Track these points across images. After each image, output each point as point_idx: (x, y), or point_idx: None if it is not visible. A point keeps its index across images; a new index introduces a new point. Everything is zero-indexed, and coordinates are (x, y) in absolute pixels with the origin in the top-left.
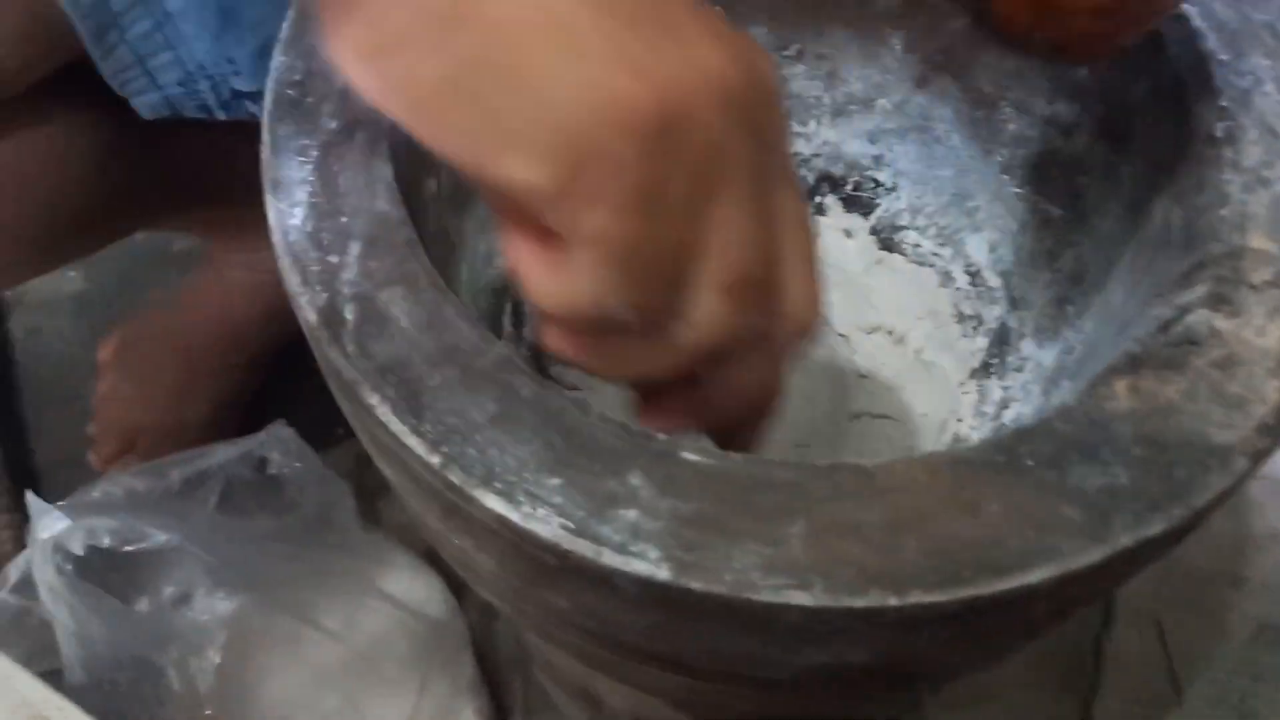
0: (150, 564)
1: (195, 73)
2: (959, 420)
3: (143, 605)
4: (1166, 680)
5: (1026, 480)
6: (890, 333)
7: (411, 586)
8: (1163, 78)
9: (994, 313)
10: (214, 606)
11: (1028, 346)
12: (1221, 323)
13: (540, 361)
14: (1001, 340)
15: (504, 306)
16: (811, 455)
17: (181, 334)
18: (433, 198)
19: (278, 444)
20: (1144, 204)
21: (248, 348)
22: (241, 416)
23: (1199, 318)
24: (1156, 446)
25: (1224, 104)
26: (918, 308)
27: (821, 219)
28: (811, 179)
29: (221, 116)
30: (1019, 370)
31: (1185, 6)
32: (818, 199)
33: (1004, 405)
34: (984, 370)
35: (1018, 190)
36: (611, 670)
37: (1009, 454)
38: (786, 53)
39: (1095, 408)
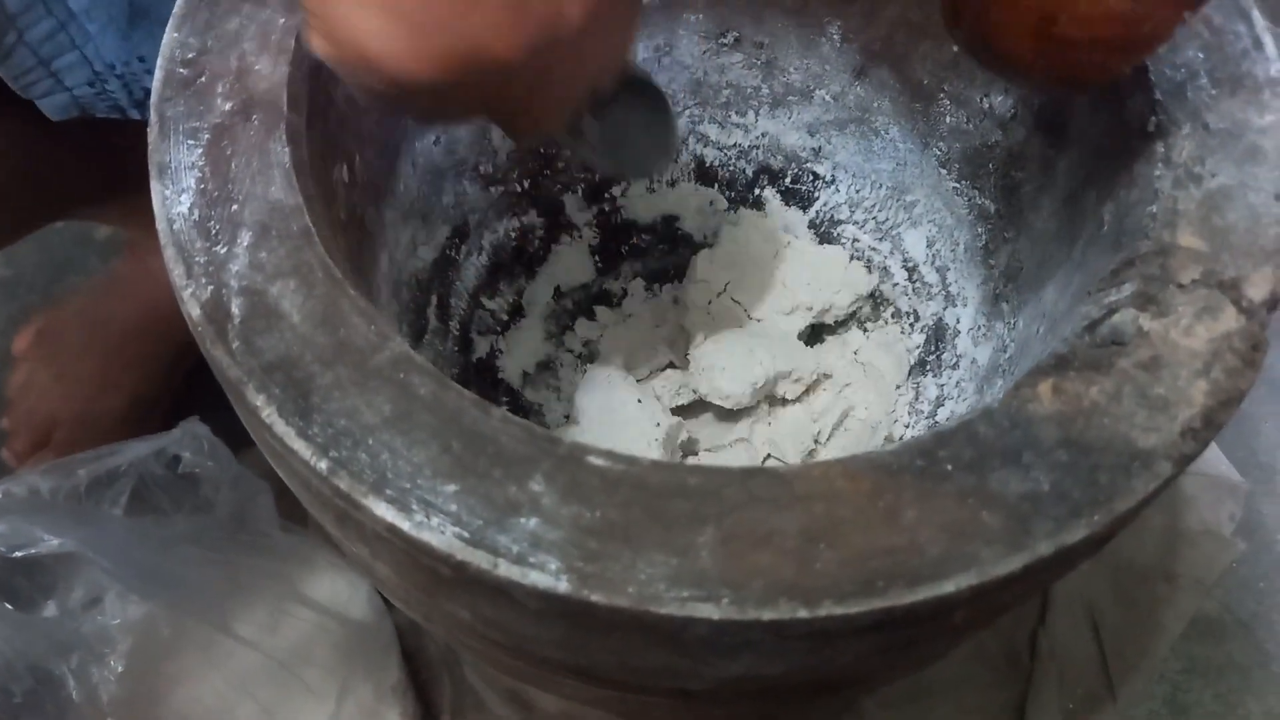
0: (56, 568)
1: (104, 72)
2: (894, 420)
3: (49, 610)
4: (1101, 674)
5: (946, 486)
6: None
7: (335, 589)
8: None
9: (930, 309)
10: (120, 612)
11: (963, 343)
12: (1148, 322)
13: (468, 353)
14: (938, 337)
15: (429, 299)
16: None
17: (102, 323)
18: (343, 184)
19: (191, 441)
20: (1078, 199)
21: (170, 339)
22: (163, 411)
23: (1125, 317)
24: (1079, 450)
25: (1157, 97)
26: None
27: (761, 211)
28: (750, 171)
29: (136, 116)
30: (954, 368)
31: None
32: (756, 191)
33: (939, 403)
34: (920, 367)
35: (955, 184)
36: (529, 679)
37: (929, 458)
38: (724, 40)
39: (1018, 410)
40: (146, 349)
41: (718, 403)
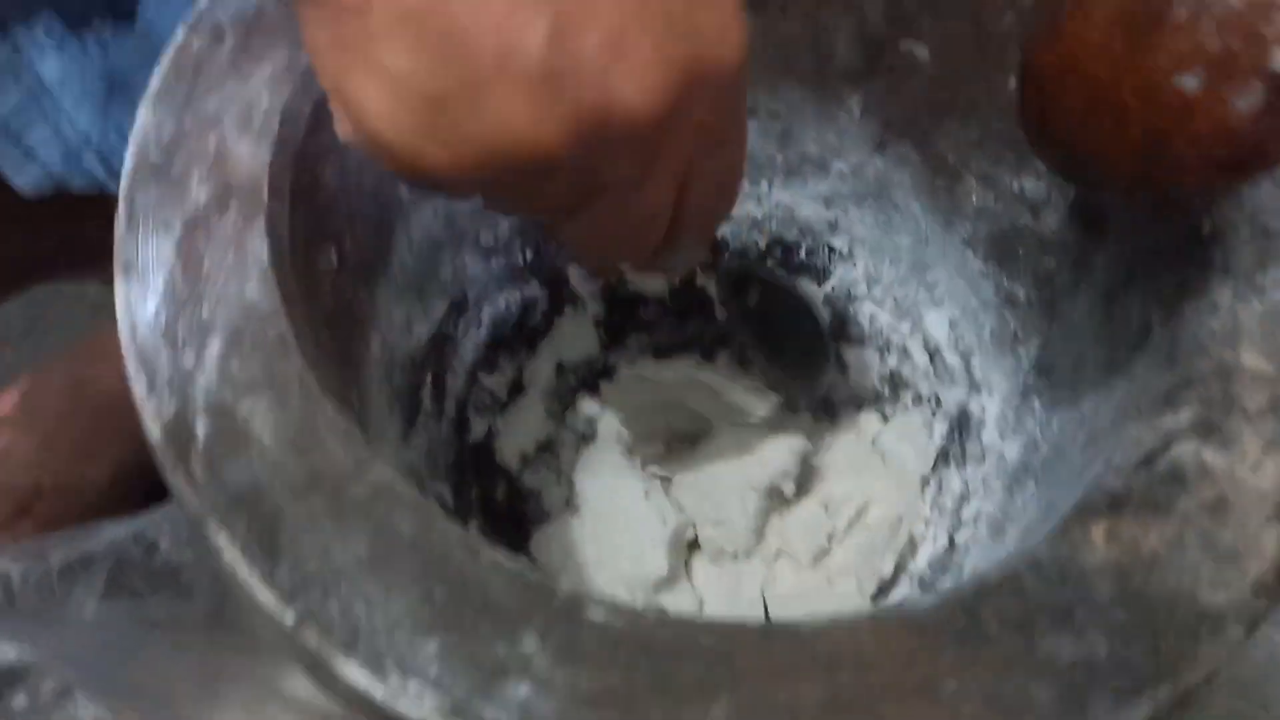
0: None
1: (79, 146)
2: (916, 516)
3: (18, 702)
4: None
5: (990, 651)
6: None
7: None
8: None
9: (954, 395)
10: (90, 706)
11: (989, 435)
12: (1212, 456)
13: (464, 435)
14: (961, 426)
15: (423, 379)
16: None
17: (85, 390)
18: (332, 271)
19: (169, 526)
20: (1119, 299)
21: None
22: (148, 482)
23: (1186, 449)
24: (1139, 608)
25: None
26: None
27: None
28: (763, 243)
29: (114, 189)
30: (980, 461)
31: None
32: (769, 263)
33: (964, 499)
34: (943, 458)
35: (981, 266)
36: None
37: (970, 616)
38: None
39: (1069, 559)
40: (131, 418)
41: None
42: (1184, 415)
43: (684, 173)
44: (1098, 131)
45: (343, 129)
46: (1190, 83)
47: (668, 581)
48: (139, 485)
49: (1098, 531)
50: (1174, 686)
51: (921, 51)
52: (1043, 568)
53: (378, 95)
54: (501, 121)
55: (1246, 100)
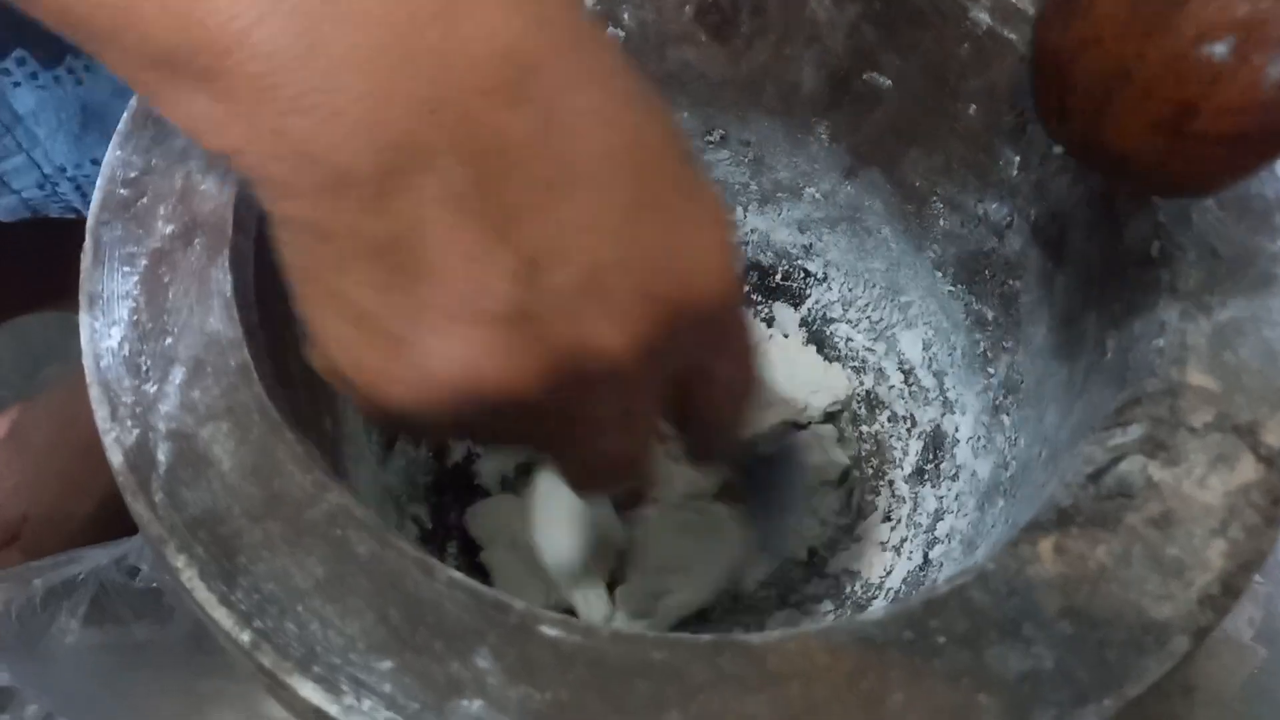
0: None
1: (54, 175)
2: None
3: None
4: None
5: (937, 663)
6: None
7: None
8: (1096, 186)
9: (928, 415)
10: None
11: (963, 453)
12: (1158, 472)
13: (444, 458)
14: (936, 445)
15: None
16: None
17: (71, 421)
18: None
19: (151, 551)
20: (1077, 320)
21: None
22: None
23: (1133, 465)
24: (1085, 621)
25: (1160, 220)
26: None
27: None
28: (739, 267)
29: None
30: (954, 479)
31: None
32: (745, 288)
33: (938, 517)
34: (918, 476)
35: (950, 288)
36: None
37: (919, 629)
38: (710, 138)
39: (1017, 573)
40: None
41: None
42: (1132, 432)
43: (682, 385)
44: (1121, 110)
45: (312, 356)
46: (1219, 50)
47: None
48: (125, 515)
49: (1045, 546)
50: (1119, 698)
51: (884, 82)
52: (991, 582)
53: (341, 329)
54: (469, 362)
55: (1278, 67)
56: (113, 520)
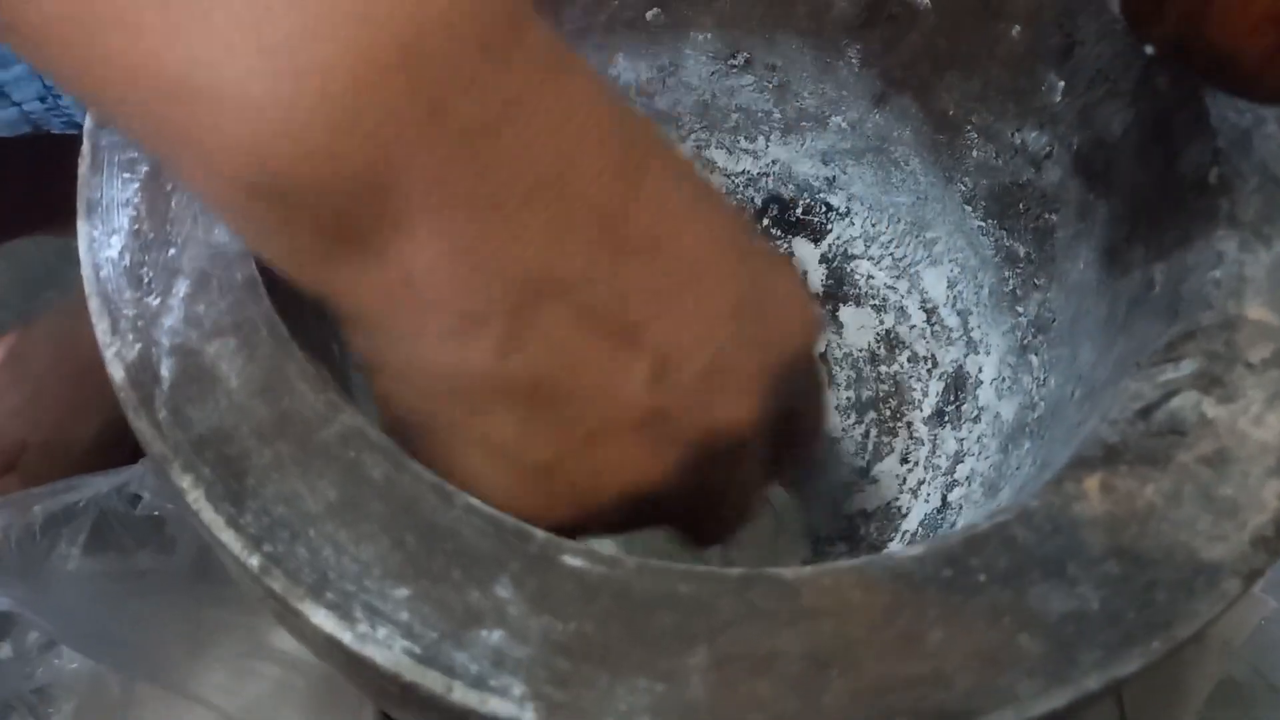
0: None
1: (56, 87)
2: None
3: (4, 652)
4: None
5: (978, 602)
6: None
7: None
8: (1148, 111)
9: (950, 355)
10: (63, 668)
11: (986, 395)
12: (1213, 409)
13: None
14: (958, 386)
15: None
16: None
17: (71, 345)
18: None
19: (153, 479)
20: (1121, 253)
21: None
22: (134, 440)
23: (1186, 401)
24: (1133, 561)
25: (1219, 145)
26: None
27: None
28: (759, 200)
29: None
30: (975, 420)
31: None
32: (764, 221)
33: (958, 459)
34: (938, 418)
35: (980, 223)
36: None
37: (958, 567)
38: (733, 61)
39: (1061, 510)
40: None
41: None
42: (1184, 368)
43: (779, 424)
44: (1226, 3)
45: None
46: None
47: None
48: (125, 442)
49: (1091, 484)
50: (1167, 640)
51: (923, 1)
52: (1034, 519)
53: (487, 469)
54: (620, 472)
55: None
56: (114, 447)
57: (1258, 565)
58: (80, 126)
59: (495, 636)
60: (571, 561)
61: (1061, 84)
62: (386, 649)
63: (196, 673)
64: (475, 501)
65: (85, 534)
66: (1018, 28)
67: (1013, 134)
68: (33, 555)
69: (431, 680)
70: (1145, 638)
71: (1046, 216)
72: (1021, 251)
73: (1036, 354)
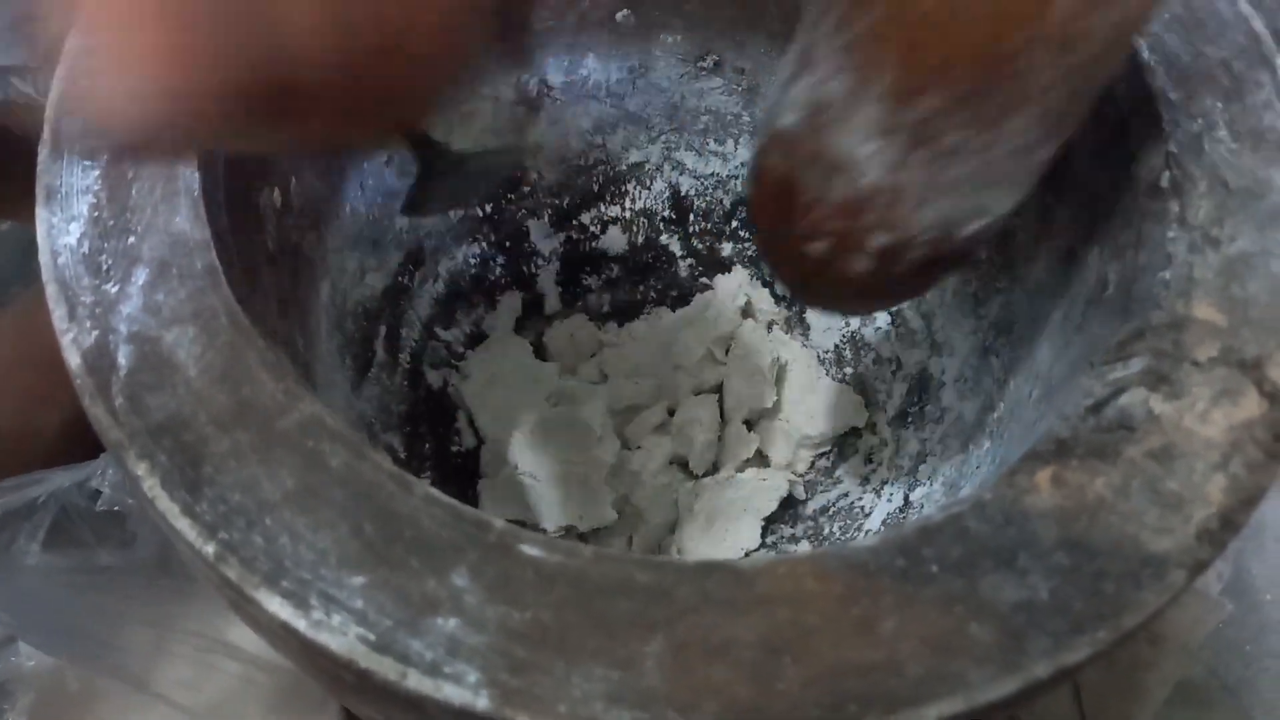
0: None
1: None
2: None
3: None
4: None
5: (930, 591)
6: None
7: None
8: (1105, 116)
9: (914, 357)
10: (21, 665)
11: (948, 396)
12: (1160, 405)
13: (419, 388)
14: (921, 388)
15: (377, 329)
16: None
17: (37, 336)
18: (274, 210)
19: (114, 473)
20: (1078, 255)
21: None
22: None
23: (1134, 398)
24: (1082, 552)
25: (1171, 149)
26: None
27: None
28: (728, 202)
29: None
30: (938, 421)
31: (1133, 38)
32: (733, 224)
33: (920, 459)
34: (901, 419)
35: None
36: None
37: (911, 557)
38: (703, 64)
39: (1013, 502)
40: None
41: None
42: (1134, 366)
43: None
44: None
45: None
46: (819, 248)
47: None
48: (89, 436)
49: (1043, 477)
50: (1114, 629)
51: None
52: (987, 511)
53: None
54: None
55: (859, 263)
56: (77, 442)
57: (1203, 557)
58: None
59: (451, 624)
60: (529, 550)
61: None
62: (341, 636)
63: (158, 669)
64: (435, 491)
65: (45, 529)
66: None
67: None
68: None
69: (386, 667)
70: (1093, 627)
71: (1008, 220)
72: (983, 254)
73: (997, 355)
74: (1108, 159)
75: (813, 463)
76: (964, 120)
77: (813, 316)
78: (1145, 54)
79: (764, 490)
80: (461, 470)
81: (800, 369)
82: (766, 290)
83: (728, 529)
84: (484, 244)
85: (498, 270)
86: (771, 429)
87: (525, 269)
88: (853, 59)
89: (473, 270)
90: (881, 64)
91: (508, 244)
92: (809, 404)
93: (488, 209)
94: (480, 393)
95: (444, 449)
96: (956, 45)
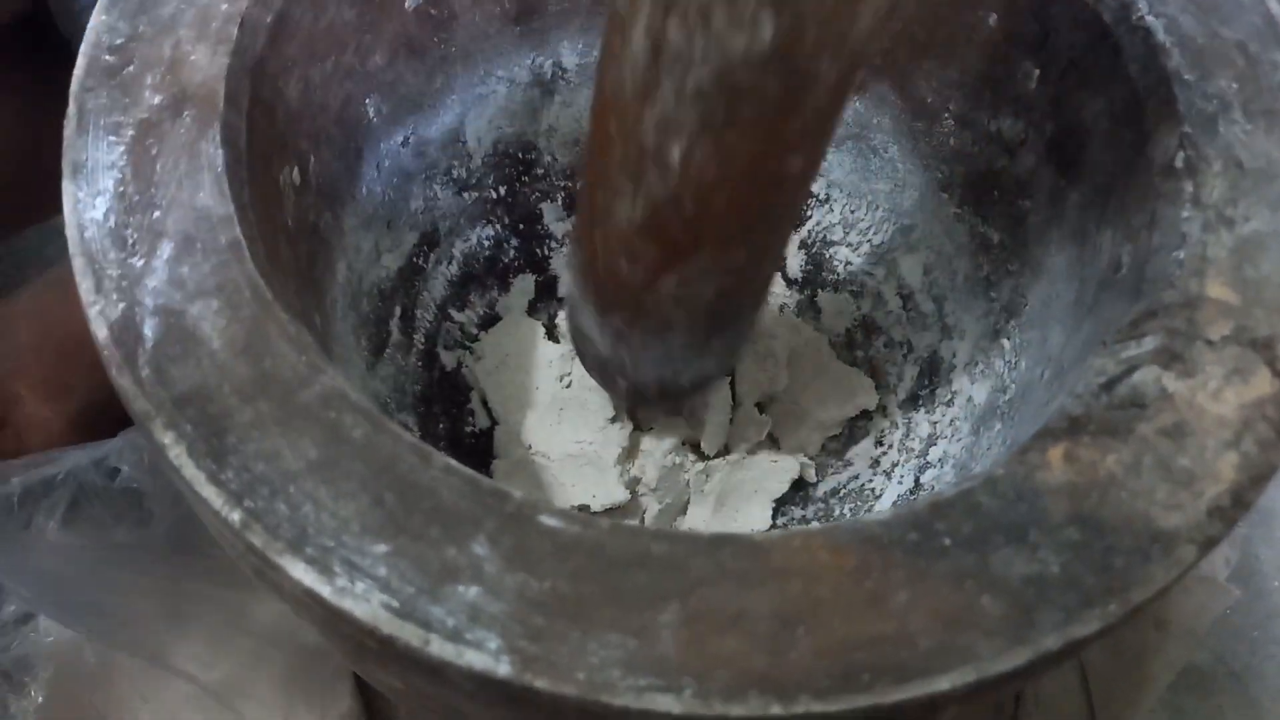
0: None
1: None
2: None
3: None
4: None
5: (942, 565)
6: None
7: (280, 612)
8: (1119, 98)
9: (925, 340)
10: (54, 630)
11: (959, 379)
12: (1172, 383)
13: (433, 368)
14: (932, 371)
15: (392, 310)
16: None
17: (55, 322)
18: (293, 188)
19: (131, 453)
20: (1091, 237)
21: None
22: (114, 418)
23: (1147, 376)
24: (1092, 528)
25: (1186, 130)
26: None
27: None
28: None
29: None
30: (949, 404)
31: (1148, 19)
32: None
33: (931, 441)
34: (912, 402)
35: (956, 210)
36: None
37: (923, 531)
38: None
39: (1025, 479)
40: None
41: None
42: (1147, 344)
43: None
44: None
45: None
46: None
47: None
48: (107, 419)
49: (1055, 453)
50: (1124, 603)
51: None
52: (999, 487)
53: None
54: None
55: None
56: (94, 424)
57: (1213, 534)
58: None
59: (472, 592)
60: (547, 521)
61: (1037, 71)
62: (365, 603)
63: (173, 644)
64: (453, 462)
65: (64, 507)
66: (994, 16)
67: (989, 120)
68: (11, 527)
69: (409, 633)
70: (1103, 601)
71: (1020, 203)
72: (995, 238)
73: (1008, 338)
74: (1122, 140)
75: (824, 445)
76: (640, 331)
77: (824, 300)
78: (1161, 35)
79: (775, 472)
80: (475, 450)
81: (812, 352)
82: (778, 274)
83: (738, 510)
84: (498, 226)
85: (511, 252)
86: (783, 412)
87: (538, 251)
88: (576, 279)
89: (486, 252)
90: (585, 290)
91: (521, 226)
92: (820, 387)
93: (501, 191)
94: (493, 373)
95: (458, 429)
96: (616, 297)
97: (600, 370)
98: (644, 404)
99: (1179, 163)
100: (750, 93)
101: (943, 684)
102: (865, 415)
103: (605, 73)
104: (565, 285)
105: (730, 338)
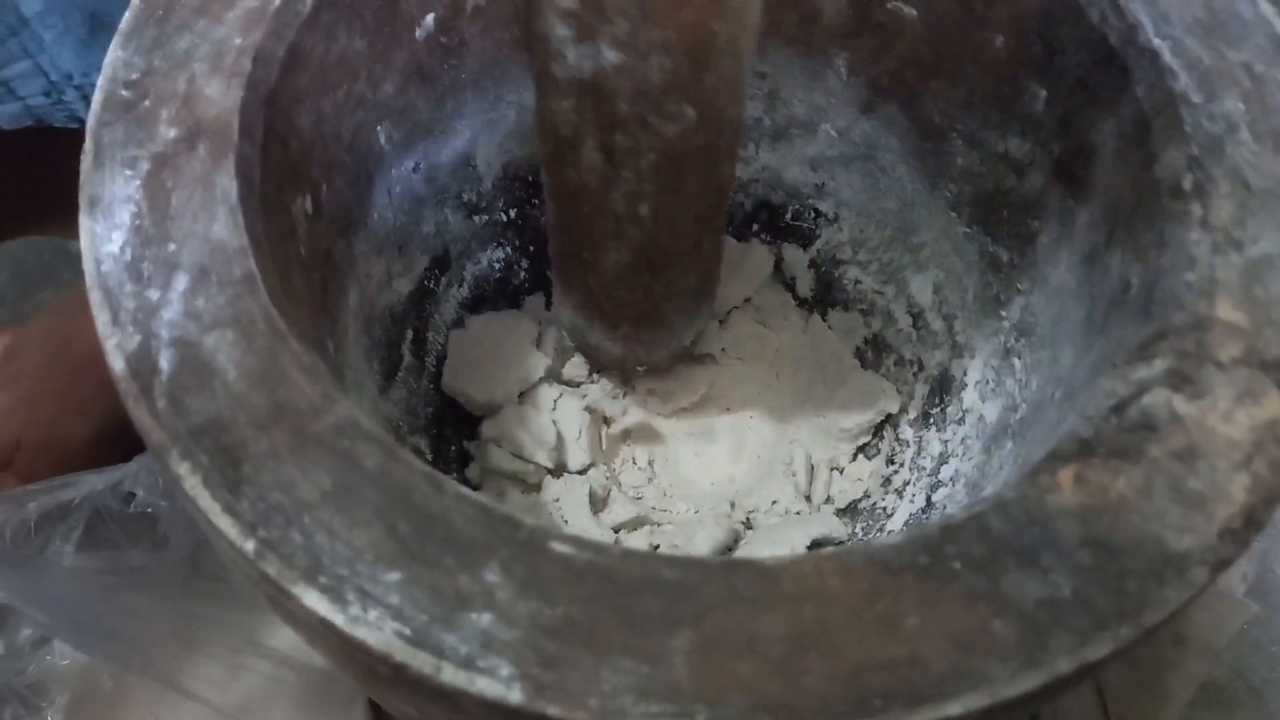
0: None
1: (61, 82)
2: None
3: None
4: None
5: (954, 588)
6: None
7: (294, 636)
8: (1127, 119)
9: (935, 358)
10: (70, 654)
11: (970, 397)
12: (1183, 406)
13: (444, 391)
14: (943, 389)
15: (404, 333)
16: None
17: (68, 343)
18: (306, 217)
19: (146, 477)
20: (1100, 257)
21: None
22: (129, 439)
23: (1157, 398)
24: (1104, 551)
25: (1194, 152)
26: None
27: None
28: (749, 205)
29: None
30: (959, 423)
31: (1154, 40)
32: (754, 226)
33: (942, 460)
34: (923, 420)
35: (965, 229)
36: None
37: (934, 554)
38: None
39: (1036, 501)
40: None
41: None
42: (1156, 366)
43: None
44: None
45: None
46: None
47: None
48: (122, 441)
49: (1066, 476)
50: (1136, 626)
51: (908, 10)
52: (1009, 510)
53: None
54: None
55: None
56: (109, 447)
57: (1225, 555)
58: (81, 121)
59: (484, 619)
60: (559, 548)
61: (1044, 92)
62: (378, 631)
63: (189, 668)
64: (466, 490)
65: (79, 531)
66: (1001, 37)
67: (997, 141)
68: (27, 551)
69: (421, 661)
70: (1116, 623)
71: (1029, 222)
72: (1005, 257)
73: (1019, 357)
74: (1129, 162)
75: (854, 455)
76: (646, 329)
77: (834, 318)
78: (1167, 57)
79: (803, 525)
80: None
81: (834, 363)
82: (789, 294)
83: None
84: (508, 248)
85: (522, 274)
86: (810, 426)
87: (548, 272)
88: (579, 313)
89: (497, 274)
90: (590, 316)
91: (531, 248)
92: (844, 396)
93: (512, 214)
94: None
95: (469, 452)
96: (620, 314)
97: (613, 364)
98: (655, 372)
99: (1187, 184)
100: (689, 153)
101: (955, 708)
102: (877, 433)
103: (563, 172)
104: (564, 318)
105: (712, 295)
